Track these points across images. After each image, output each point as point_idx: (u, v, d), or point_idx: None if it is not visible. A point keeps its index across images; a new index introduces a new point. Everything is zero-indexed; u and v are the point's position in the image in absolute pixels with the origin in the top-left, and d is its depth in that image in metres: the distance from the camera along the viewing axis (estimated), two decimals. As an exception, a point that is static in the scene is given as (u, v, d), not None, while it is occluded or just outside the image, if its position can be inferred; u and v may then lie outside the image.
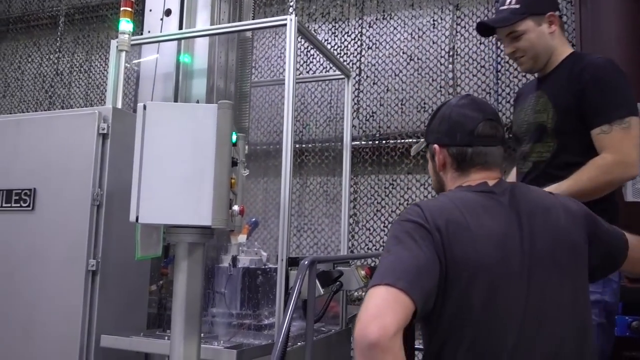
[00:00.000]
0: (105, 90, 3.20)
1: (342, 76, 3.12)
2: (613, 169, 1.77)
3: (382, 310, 1.12)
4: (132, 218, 1.50)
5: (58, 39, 6.21)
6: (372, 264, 2.79)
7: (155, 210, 1.50)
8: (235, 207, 1.77)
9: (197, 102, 2.21)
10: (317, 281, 2.07)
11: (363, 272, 2.53)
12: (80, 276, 1.99)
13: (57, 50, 6.20)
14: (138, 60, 2.80)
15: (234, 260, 2.43)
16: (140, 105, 1.53)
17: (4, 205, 2.20)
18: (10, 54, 6.49)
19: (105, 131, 2.08)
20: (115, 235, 2.09)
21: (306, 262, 1.98)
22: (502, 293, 1.24)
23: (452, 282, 1.22)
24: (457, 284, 1.22)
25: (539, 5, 1.98)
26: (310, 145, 4.96)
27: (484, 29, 2.09)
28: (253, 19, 2.95)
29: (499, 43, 4.47)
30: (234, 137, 1.60)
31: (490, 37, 4.59)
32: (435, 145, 1.47)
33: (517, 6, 1.96)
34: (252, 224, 2.82)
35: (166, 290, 2.44)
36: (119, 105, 2.33)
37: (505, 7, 1.99)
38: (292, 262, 2.24)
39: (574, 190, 1.71)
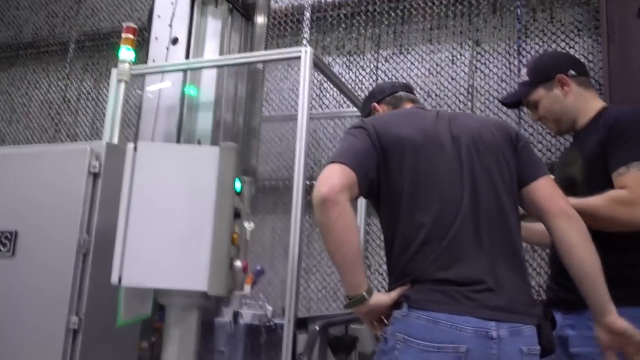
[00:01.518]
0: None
1: (359, 113, 2.91)
2: (619, 206, 1.74)
3: (330, 176, 1.47)
4: (114, 279, 1.26)
5: (67, 65, 6.10)
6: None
7: (142, 271, 1.26)
8: (238, 263, 1.53)
9: (199, 141, 2.00)
10: (329, 350, 1.81)
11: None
12: (60, 335, 1.73)
13: (66, 77, 6.08)
14: (151, 88, 2.60)
15: (236, 316, 2.17)
16: (129, 145, 1.31)
17: (-19, 248, 1.96)
18: (18, 80, 6.39)
19: (96, 170, 1.86)
20: (102, 287, 1.84)
21: (317, 328, 1.72)
22: (428, 156, 1.58)
23: (387, 162, 1.55)
24: (391, 160, 1.55)
25: (545, 71, 2.05)
26: (320, 182, 4.73)
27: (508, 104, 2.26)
28: (265, 50, 2.77)
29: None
30: (238, 185, 1.37)
31: (510, 74, 4.39)
32: (374, 104, 2.04)
33: (527, 78, 2.10)
34: (257, 273, 2.56)
35: (159, 348, 2.17)
36: (115, 140, 2.12)
37: (520, 80, 2.17)
38: (301, 323, 1.98)
39: (577, 206, 1.66)
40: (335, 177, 1.45)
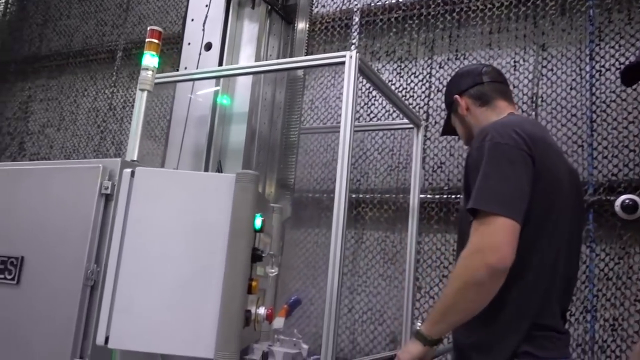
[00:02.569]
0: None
1: (411, 125, 2.59)
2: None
3: (502, 242, 1.35)
4: (100, 340, 1.01)
5: (114, 73, 6.08)
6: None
7: (134, 331, 1.01)
8: (261, 311, 1.26)
9: (219, 165, 1.74)
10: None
11: None
12: (60, 379, 1.51)
13: (113, 84, 6.07)
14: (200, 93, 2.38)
15: (265, 357, 1.89)
16: (126, 172, 1.06)
17: (-12, 274, 1.78)
18: (67, 88, 6.44)
19: (108, 191, 1.64)
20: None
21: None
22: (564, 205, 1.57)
23: (538, 189, 1.46)
24: (540, 190, 1.47)
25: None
26: (368, 196, 4.41)
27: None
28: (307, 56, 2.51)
29: (593, 89, 3.82)
30: (259, 222, 1.09)
31: (581, 81, 3.95)
32: (455, 96, 1.83)
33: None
34: (292, 304, 2.29)
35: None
36: (134, 157, 1.90)
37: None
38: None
39: None
40: (507, 246, 1.36)
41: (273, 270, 1.26)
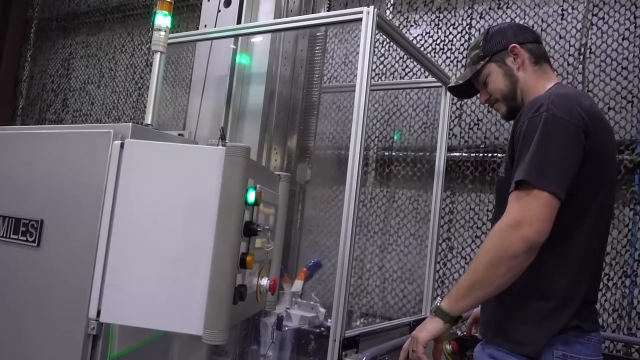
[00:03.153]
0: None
1: (439, 84, 2.46)
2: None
3: (543, 216, 1.34)
4: (92, 313, 1.01)
5: (150, 29, 6.08)
6: (460, 333, 2.12)
7: (125, 305, 1.01)
8: (264, 281, 1.24)
9: (222, 131, 1.68)
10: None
11: (449, 347, 1.90)
12: (79, 341, 1.55)
13: (149, 40, 6.07)
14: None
15: (279, 322, 1.90)
16: (116, 143, 1.03)
17: (11, 236, 1.84)
18: (106, 44, 6.49)
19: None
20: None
21: (364, 359, 1.40)
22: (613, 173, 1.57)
23: (591, 164, 1.43)
24: (593, 165, 1.44)
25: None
26: (401, 154, 4.31)
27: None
28: (329, 11, 2.39)
29: (649, 39, 3.52)
30: (252, 196, 1.05)
31: (635, 30, 3.65)
32: (515, 45, 1.66)
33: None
34: (312, 267, 2.27)
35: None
36: (150, 120, 1.88)
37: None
38: (351, 343, 1.67)
39: None
40: (546, 222, 1.35)
41: (269, 245, 1.23)
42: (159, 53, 1.92)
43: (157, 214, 1.04)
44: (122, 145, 1.05)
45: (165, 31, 1.92)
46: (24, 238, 1.79)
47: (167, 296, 1.01)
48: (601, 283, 3.38)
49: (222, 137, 1.38)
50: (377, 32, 1.78)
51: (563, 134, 1.38)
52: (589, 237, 1.48)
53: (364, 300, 4.30)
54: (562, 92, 1.51)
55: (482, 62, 1.71)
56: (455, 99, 4.07)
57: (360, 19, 1.73)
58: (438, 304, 1.49)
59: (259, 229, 1.14)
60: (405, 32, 4.38)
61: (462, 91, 1.81)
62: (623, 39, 3.60)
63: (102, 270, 1.02)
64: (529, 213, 1.34)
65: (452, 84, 1.83)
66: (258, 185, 1.14)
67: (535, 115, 1.42)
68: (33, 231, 1.77)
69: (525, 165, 1.38)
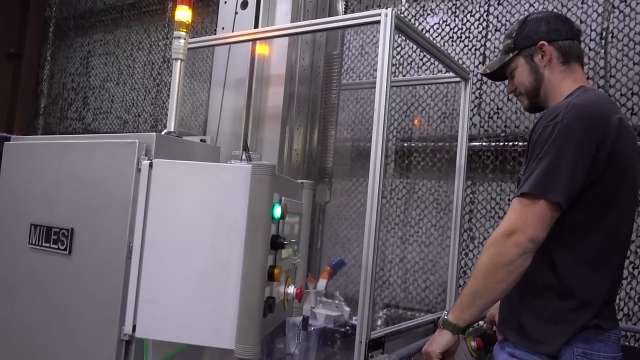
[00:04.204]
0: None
1: (458, 79, 2.44)
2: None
3: (539, 224, 1.39)
4: (128, 329, 1.05)
5: (166, 25, 6.11)
6: (485, 330, 2.12)
7: (159, 321, 1.04)
8: (290, 290, 1.27)
9: (245, 145, 1.69)
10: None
11: (474, 344, 1.91)
12: (112, 347, 1.61)
13: (165, 36, 6.11)
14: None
15: (305, 322, 1.93)
16: (144, 164, 1.06)
17: (43, 244, 1.90)
18: (123, 42, 6.55)
19: (144, 167, 1.66)
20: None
21: (389, 362, 1.43)
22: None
23: (609, 173, 1.45)
24: (612, 174, 1.45)
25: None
26: (420, 145, 4.29)
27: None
28: (345, 12, 2.38)
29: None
30: (278, 211, 1.08)
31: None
32: (543, 42, 1.63)
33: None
34: (335, 265, 2.30)
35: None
36: (173, 127, 1.91)
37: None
38: (376, 344, 1.69)
39: None
40: (539, 229, 1.39)
41: (296, 258, 1.26)
42: (179, 61, 1.93)
43: (187, 231, 1.07)
44: (150, 165, 1.08)
45: (185, 39, 1.93)
46: (56, 246, 1.85)
47: (199, 311, 1.04)
48: (626, 271, 3.36)
49: (246, 149, 1.41)
50: (395, 32, 1.78)
51: (573, 145, 1.41)
52: (609, 239, 1.50)
53: (386, 291, 4.32)
54: (582, 101, 1.50)
55: (510, 54, 1.71)
56: (474, 87, 4.05)
57: (378, 22, 1.73)
58: (445, 317, 1.53)
59: (285, 242, 1.16)
60: (422, 22, 4.34)
61: (495, 74, 1.82)
62: (646, 22, 3.52)
63: (136, 286, 1.06)
64: (522, 222, 1.39)
65: (483, 70, 1.85)
66: (283, 199, 1.16)
67: (549, 124, 1.45)
68: (64, 239, 1.82)
69: (531, 177, 1.42)
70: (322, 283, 2.18)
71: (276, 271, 1.12)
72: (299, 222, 1.41)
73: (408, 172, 4.37)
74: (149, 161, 1.09)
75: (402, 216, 4.33)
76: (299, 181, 1.56)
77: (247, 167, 1.06)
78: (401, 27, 1.82)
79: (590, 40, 3.67)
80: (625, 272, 3.37)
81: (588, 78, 3.62)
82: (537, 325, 1.50)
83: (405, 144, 4.35)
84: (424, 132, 4.29)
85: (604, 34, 3.66)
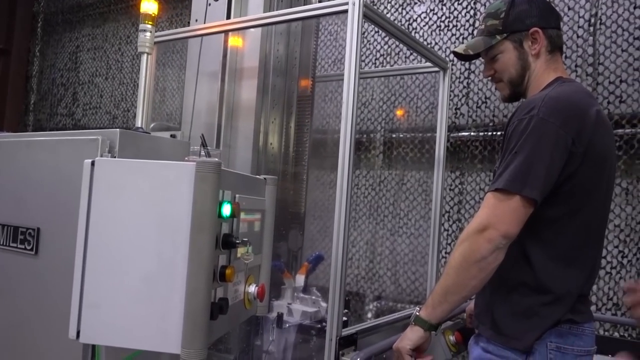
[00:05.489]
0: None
1: (436, 69, 2.40)
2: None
3: (512, 219, 1.35)
4: (72, 334, 1.02)
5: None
6: (463, 323, 2.09)
7: (103, 325, 1.01)
8: (252, 288, 1.23)
9: (202, 137, 1.65)
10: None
11: (453, 338, 1.89)
12: (78, 348, 1.57)
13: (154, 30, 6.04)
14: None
15: (279, 319, 1.90)
16: (86, 162, 1.02)
17: (10, 244, 1.86)
18: (111, 36, 6.49)
19: (107, 163, 1.62)
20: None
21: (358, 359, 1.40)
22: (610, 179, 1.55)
23: (585, 166, 1.42)
24: (588, 167, 1.42)
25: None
26: (409, 136, 4.25)
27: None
28: (320, 1, 2.33)
29: (661, 7, 3.38)
30: (227, 209, 1.04)
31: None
32: (537, 29, 1.56)
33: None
34: (314, 260, 2.26)
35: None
36: (140, 123, 1.86)
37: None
38: (348, 342, 1.66)
39: None
40: (512, 224, 1.36)
41: (248, 256, 1.21)
42: (145, 54, 1.89)
43: (131, 232, 1.03)
44: (92, 164, 1.04)
45: (151, 32, 1.89)
46: (22, 246, 1.81)
47: (144, 315, 1.01)
48: (615, 261, 3.33)
49: (203, 144, 1.37)
50: (364, 21, 1.73)
51: (548, 139, 1.37)
52: (584, 233, 1.48)
53: (376, 284, 4.30)
54: (558, 93, 1.46)
55: (498, 37, 1.59)
56: (462, 77, 4.00)
57: (346, 11, 1.68)
58: (417, 313, 1.50)
59: (237, 241, 1.13)
60: (409, 10, 4.29)
61: (464, 56, 1.72)
62: (635, 8, 3.46)
63: (79, 291, 1.02)
64: (495, 218, 1.36)
65: (459, 49, 1.71)
66: (237, 196, 1.12)
67: (524, 117, 1.41)
68: (30, 239, 1.79)
69: (505, 172, 1.39)
70: (299, 279, 2.15)
71: (228, 271, 1.08)
72: (261, 219, 1.37)
73: (396, 164, 4.33)
74: (91, 160, 1.05)
75: (392, 208, 4.30)
76: (262, 177, 1.52)
77: (191, 164, 1.02)
78: (370, 17, 1.77)
79: (579, 27, 3.61)
80: (615, 262, 3.34)
81: (577, 66, 3.58)
82: (510, 320, 1.49)
83: (394, 135, 4.32)
84: (412, 122, 4.25)
85: (593, 20, 3.61)
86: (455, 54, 1.73)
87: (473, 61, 3.86)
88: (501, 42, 1.59)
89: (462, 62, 3.84)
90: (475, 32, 4.02)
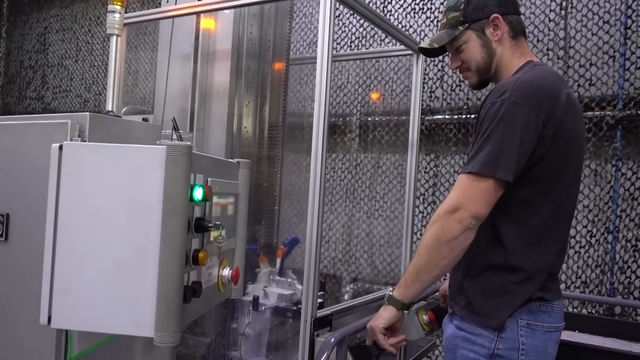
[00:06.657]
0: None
1: (409, 52, 2.40)
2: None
3: (483, 200, 1.39)
4: (43, 319, 1.01)
5: (124, -2, 5.90)
6: (437, 303, 2.13)
7: (75, 310, 1.00)
8: (226, 272, 1.24)
9: (174, 121, 1.63)
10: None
11: (426, 317, 1.92)
12: (51, 335, 1.56)
13: (124, 11, 5.90)
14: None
15: (256, 302, 1.91)
16: (54, 146, 1.01)
17: (-21, 231, 1.81)
18: (81, 17, 6.31)
19: (77, 147, 1.59)
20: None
21: (332, 340, 1.42)
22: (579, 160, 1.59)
23: (555, 149, 1.44)
24: (558, 150, 1.45)
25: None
26: (384, 119, 4.27)
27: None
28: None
29: (630, -9, 3.44)
30: (199, 193, 1.03)
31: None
32: (497, 15, 1.59)
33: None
34: (289, 243, 2.27)
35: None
36: (111, 106, 1.83)
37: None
38: (323, 322, 1.68)
39: None
40: (483, 205, 1.40)
41: (221, 240, 1.22)
42: (114, 36, 1.85)
43: (102, 217, 1.02)
44: (60, 148, 1.02)
45: (120, 13, 1.85)
46: (-9, 233, 1.78)
47: (117, 300, 1.01)
48: (584, 240, 3.42)
49: (175, 128, 1.35)
50: (337, 3, 1.72)
51: (520, 122, 1.40)
52: (555, 213, 1.51)
53: (353, 266, 4.34)
54: (530, 77, 1.49)
55: (460, 28, 1.63)
56: (436, 60, 4.02)
57: (319, -8, 1.68)
58: (390, 293, 1.53)
59: (209, 225, 1.13)
60: (384, -7, 4.27)
61: (431, 51, 1.74)
62: (605, -8, 3.52)
63: (49, 276, 1.01)
64: (465, 199, 1.40)
65: (424, 44, 1.73)
66: (209, 180, 1.12)
67: (497, 100, 1.43)
68: (0, 225, 1.75)
69: (478, 155, 1.42)
70: (275, 262, 2.16)
71: (201, 255, 1.08)
72: (234, 202, 1.37)
73: (372, 147, 4.35)
74: (59, 144, 1.03)
75: (368, 191, 4.33)
76: (235, 160, 1.52)
77: (161, 148, 1.01)
78: (344, -1, 1.77)
79: (550, 10, 3.65)
80: (583, 241, 3.43)
81: (548, 49, 3.63)
82: (483, 299, 1.53)
83: (369, 119, 4.33)
84: (388, 105, 4.26)
85: (564, 4, 3.65)
86: (422, 49, 1.75)
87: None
88: (463, 32, 1.63)
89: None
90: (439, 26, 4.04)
